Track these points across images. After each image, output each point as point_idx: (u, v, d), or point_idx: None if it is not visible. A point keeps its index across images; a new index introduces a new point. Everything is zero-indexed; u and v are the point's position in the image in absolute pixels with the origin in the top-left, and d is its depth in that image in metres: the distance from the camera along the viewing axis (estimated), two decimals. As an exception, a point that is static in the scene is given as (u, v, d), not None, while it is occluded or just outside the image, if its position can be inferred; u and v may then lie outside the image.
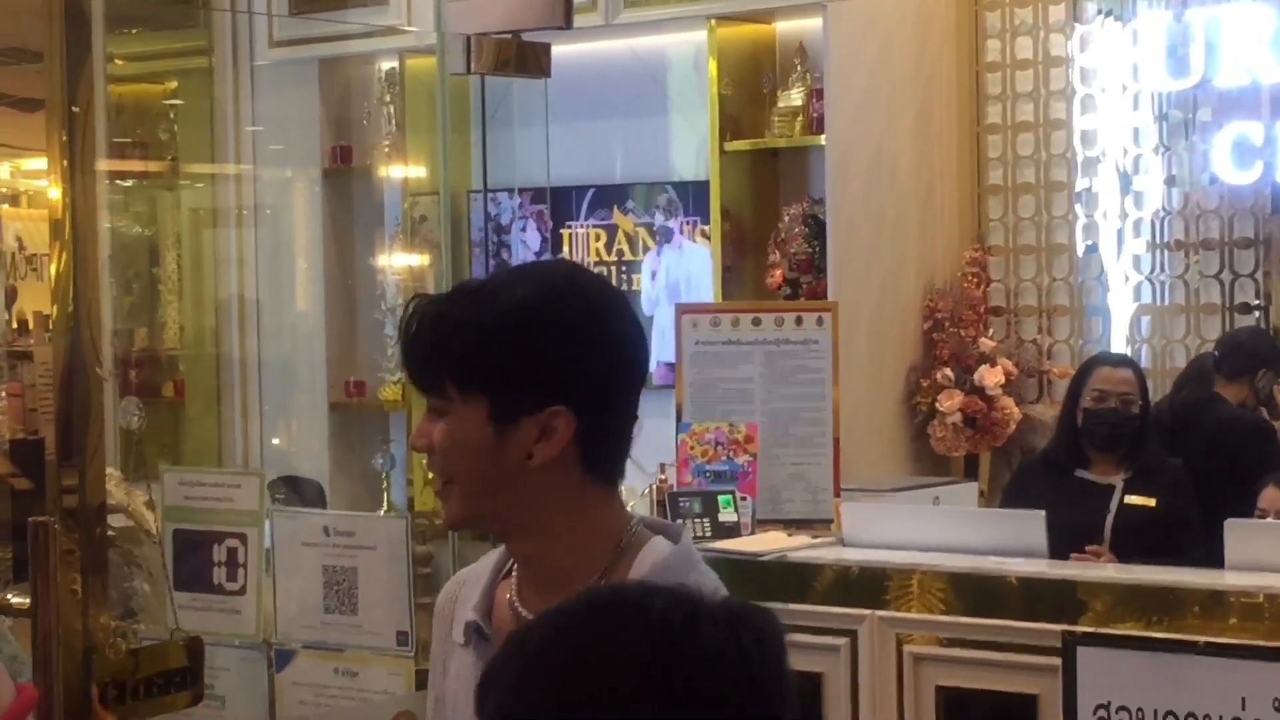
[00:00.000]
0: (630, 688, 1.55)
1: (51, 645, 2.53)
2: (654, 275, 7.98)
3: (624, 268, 8.06)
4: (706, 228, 7.74)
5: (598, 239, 8.12)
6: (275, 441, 8.38)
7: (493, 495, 2.30)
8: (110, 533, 2.95)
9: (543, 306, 2.29)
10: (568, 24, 4.55)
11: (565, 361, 2.29)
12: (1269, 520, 5.57)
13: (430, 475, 2.38)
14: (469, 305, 2.29)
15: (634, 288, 8.05)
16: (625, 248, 8.06)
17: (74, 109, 2.91)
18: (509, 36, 4.38)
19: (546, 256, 8.20)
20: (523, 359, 2.27)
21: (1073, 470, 5.96)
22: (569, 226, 8.19)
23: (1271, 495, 5.72)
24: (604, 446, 2.33)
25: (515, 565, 2.41)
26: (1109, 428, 5.91)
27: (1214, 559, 5.15)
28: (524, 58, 4.41)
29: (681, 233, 7.89)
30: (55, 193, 2.93)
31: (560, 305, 2.31)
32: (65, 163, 2.91)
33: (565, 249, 8.18)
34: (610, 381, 2.33)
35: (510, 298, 2.29)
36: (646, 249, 8.01)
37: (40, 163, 2.96)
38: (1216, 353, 6.78)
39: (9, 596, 2.68)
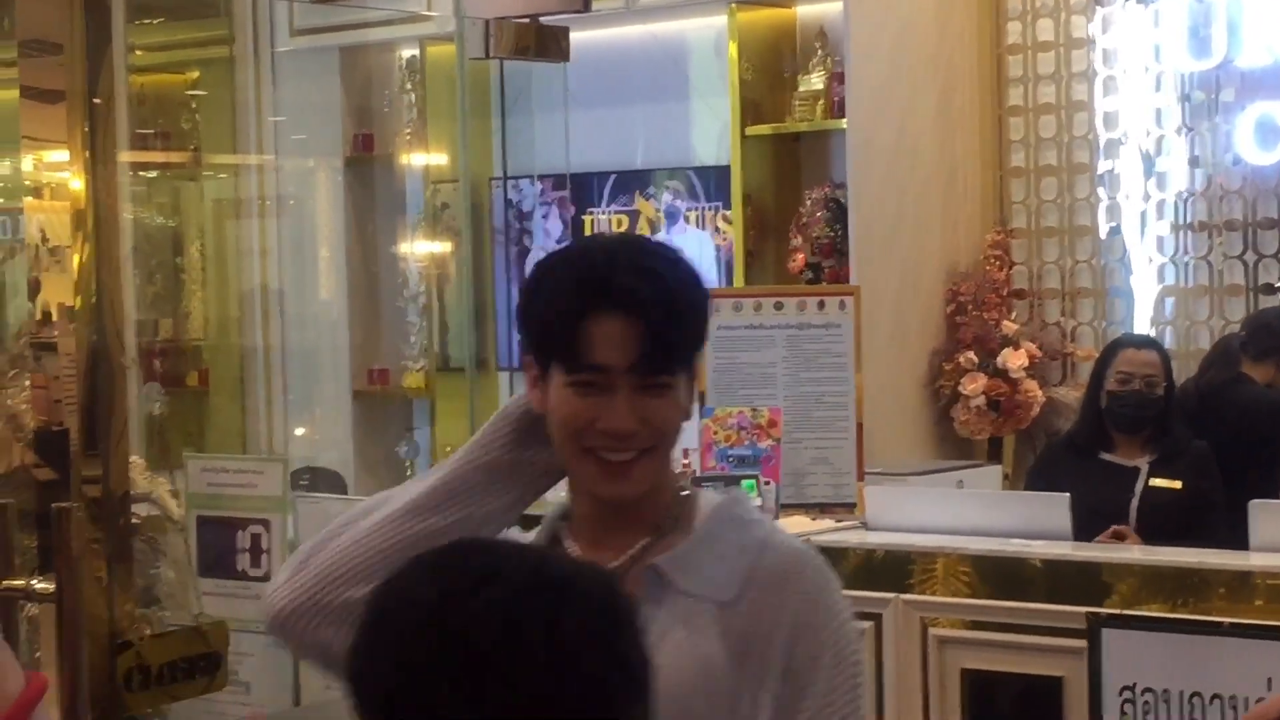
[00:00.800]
0: (411, 639, 1.58)
1: (76, 632, 2.54)
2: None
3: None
4: (728, 212, 7.74)
5: (620, 225, 8.12)
6: (299, 431, 8.40)
7: (669, 456, 2.42)
8: (135, 521, 2.97)
9: (700, 276, 2.43)
10: (586, 7, 4.56)
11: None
12: None
13: (598, 450, 2.36)
14: (686, 279, 2.37)
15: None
16: (647, 233, 8.06)
17: (95, 100, 2.91)
18: (527, 21, 4.38)
19: (567, 243, 8.20)
20: (705, 323, 2.40)
21: (1097, 453, 5.95)
22: (591, 213, 8.20)
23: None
24: None
25: (569, 525, 2.46)
26: (1133, 409, 5.90)
27: (1239, 540, 5.14)
28: (543, 42, 4.41)
29: (686, 220, 7.89)
30: (77, 184, 2.94)
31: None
32: (87, 154, 2.92)
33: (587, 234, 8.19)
34: None
35: (688, 271, 2.40)
36: (667, 234, 8.02)
37: (63, 155, 2.96)
38: (1242, 334, 6.76)
39: (34, 583, 2.69)
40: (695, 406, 2.49)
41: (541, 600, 1.59)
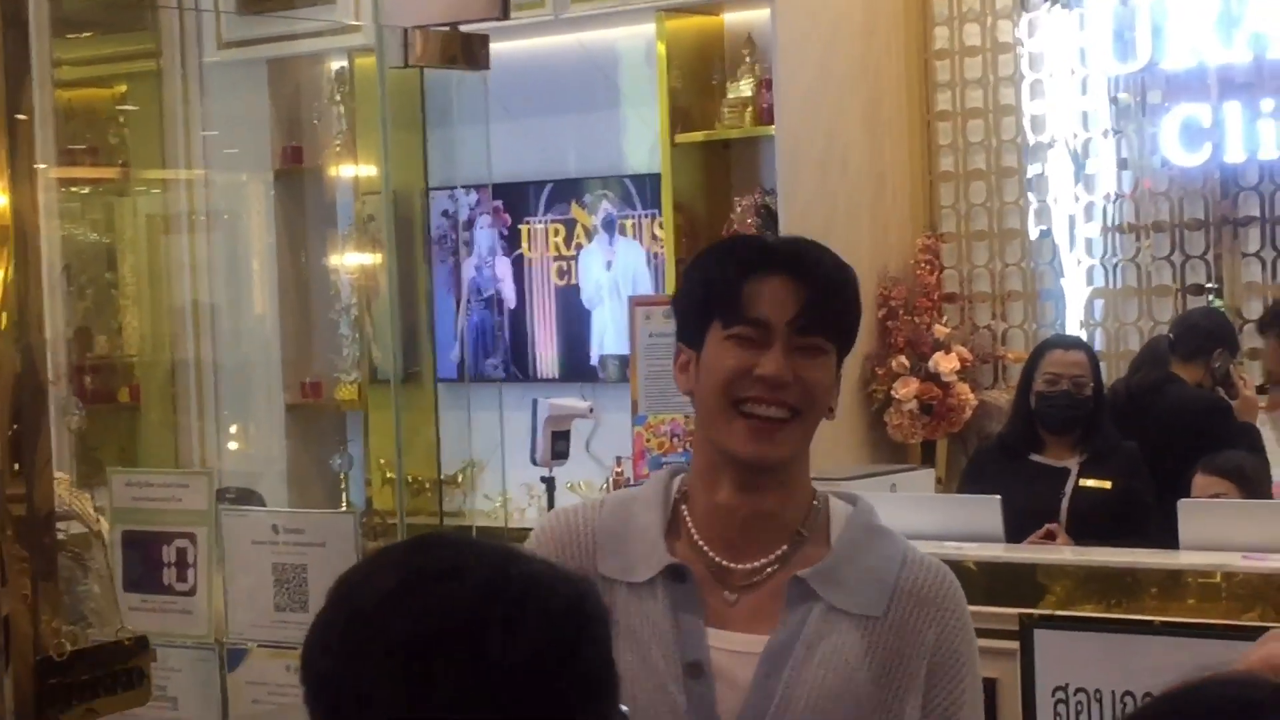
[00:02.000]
0: (358, 617, 1.56)
1: (-3, 651, 2.53)
2: (609, 265, 7.98)
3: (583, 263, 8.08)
4: (662, 219, 7.74)
5: (556, 234, 8.12)
6: (232, 445, 8.37)
7: (810, 437, 2.48)
8: (61, 537, 2.95)
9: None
10: (505, 14, 4.56)
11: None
12: (1222, 499, 5.59)
13: (749, 402, 2.43)
14: (840, 262, 2.50)
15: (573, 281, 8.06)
16: (584, 241, 8.07)
17: (17, 116, 2.89)
18: (447, 29, 4.38)
19: (500, 253, 8.20)
20: (857, 317, 2.54)
21: (1028, 454, 5.98)
22: (528, 222, 8.20)
23: (1201, 482, 5.73)
24: None
25: (690, 514, 2.50)
26: (1061, 410, 5.93)
27: (1170, 539, 5.18)
28: (463, 50, 4.41)
29: (622, 231, 7.90)
30: (-1, 201, 2.92)
31: None
32: (8, 170, 2.90)
33: (524, 244, 8.18)
34: None
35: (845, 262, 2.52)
36: (605, 243, 8.02)
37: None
38: (1171, 335, 6.80)
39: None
40: (836, 408, 2.53)
41: (504, 599, 1.55)
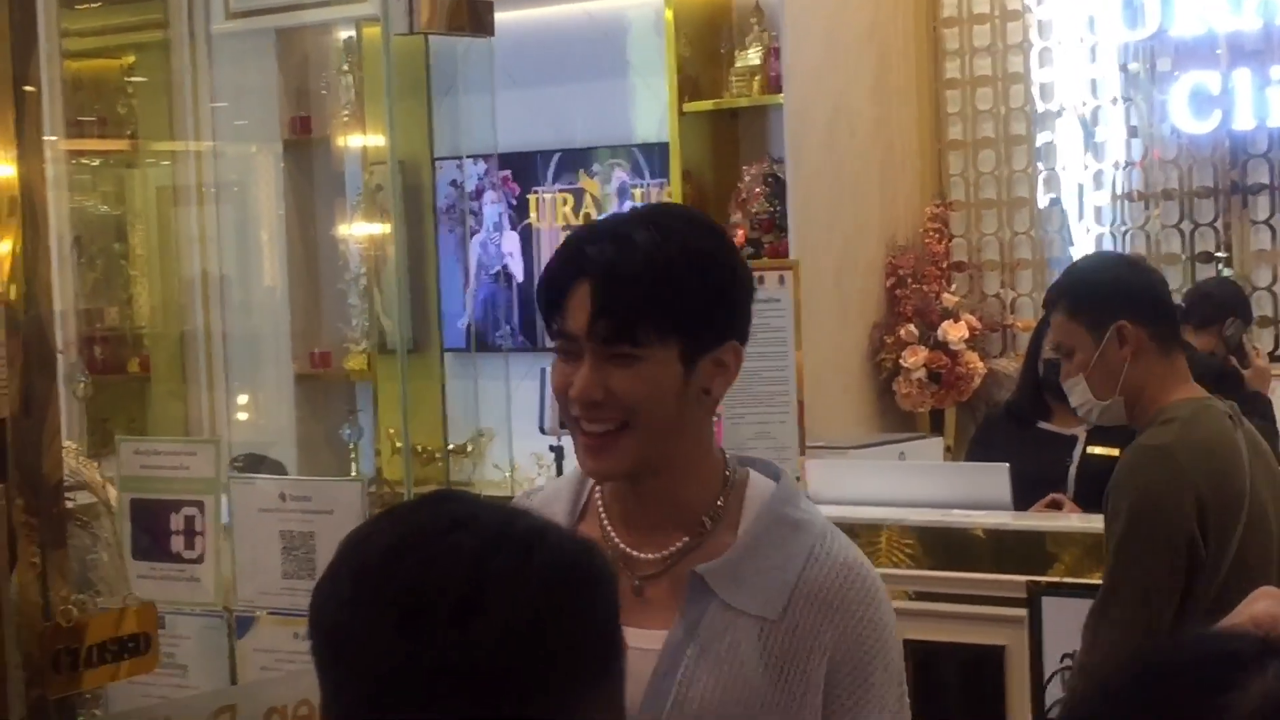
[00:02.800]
0: (365, 567, 1.57)
1: (5, 616, 2.55)
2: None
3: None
4: (670, 189, 7.74)
5: (565, 203, 8.13)
6: (242, 416, 8.39)
7: (666, 437, 2.33)
8: (70, 505, 2.97)
9: (718, 247, 2.38)
10: (510, -20, 4.56)
11: (743, 297, 2.38)
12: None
13: (579, 420, 2.33)
14: (667, 247, 2.31)
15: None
16: (592, 211, 8.07)
17: (25, 88, 2.90)
18: (453, -5, 4.39)
19: (509, 222, 8.20)
20: (714, 295, 2.34)
21: (1035, 422, 5.97)
22: (535, 191, 8.20)
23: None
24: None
25: (602, 497, 2.44)
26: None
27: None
28: (468, 16, 4.40)
29: (633, 199, 7.89)
30: (6, 172, 2.93)
31: (726, 245, 2.43)
32: (16, 141, 2.90)
33: (532, 214, 8.18)
34: (750, 315, 2.42)
35: (687, 240, 2.34)
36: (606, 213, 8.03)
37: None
38: (1183, 304, 6.79)
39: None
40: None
41: (510, 553, 1.54)
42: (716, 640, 2.33)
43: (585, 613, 1.58)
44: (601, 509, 2.44)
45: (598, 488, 2.46)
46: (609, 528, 2.42)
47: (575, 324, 2.29)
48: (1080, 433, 5.89)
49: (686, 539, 2.38)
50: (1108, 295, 3.94)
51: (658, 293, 2.28)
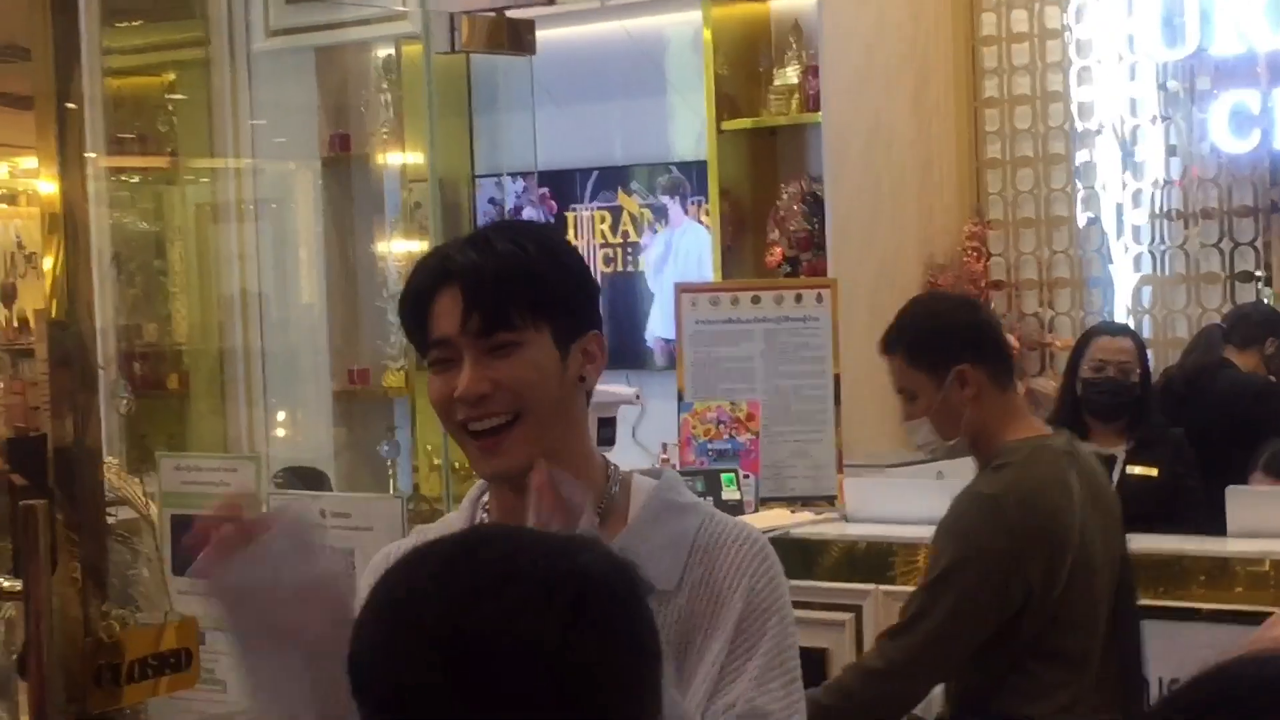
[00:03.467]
0: (426, 638, 1.57)
1: (40, 628, 2.55)
2: (668, 250, 7.97)
3: (629, 249, 8.07)
4: (707, 206, 7.75)
5: (602, 220, 8.13)
6: (280, 432, 8.40)
7: (554, 426, 2.36)
8: (110, 521, 2.98)
9: (566, 245, 2.48)
10: (551, 0, 4.57)
11: (592, 288, 2.44)
12: (1270, 488, 5.56)
13: (467, 423, 2.35)
14: (522, 240, 2.37)
15: (638, 268, 8.06)
16: (630, 229, 8.07)
17: (67, 105, 2.91)
18: (493, 14, 4.40)
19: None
20: (573, 284, 2.40)
21: None
22: (574, 209, 8.20)
23: (1259, 479, 5.70)
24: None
25: (489, 515, 2.45)
26: (1108, 396, 5.90)
27: (1218, 526, 5.16)
28: (509, 35, 4.42)
29: (687, 212, 7.89)
30: (49, 189, 2.94)
31: (571, 245, 2.52)
32: (58, 158, 2.92)
33: (570, 232, 8.19)
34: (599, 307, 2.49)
35: (547, 232, 2.48)
36: (653, 230, 8.02)
37: (34, 160, 2.97)
38: (1225, 324, 6.79)
39: (2, 581, 2.71)
40: (587, 373, 2.43)
41: (560, 607, 1.57)
42: None
43: (636, 638, 1.62)
44: (490, 514, 2.46)
45: (485, 507, 2.47)
46: None
47: (448, 327, 2.33)
48: (1120, 452, 5.87)
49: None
50: (947, 340, 3.98)
51: (523, 281, 2.34)
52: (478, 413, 2.34)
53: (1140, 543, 5.16)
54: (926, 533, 5.28)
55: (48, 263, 2.91)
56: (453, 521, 2.51)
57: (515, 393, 2.33)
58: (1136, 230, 7.46)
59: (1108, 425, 5.94)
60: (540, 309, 2.34)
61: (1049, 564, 3.86)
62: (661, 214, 7.98)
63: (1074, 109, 7.57)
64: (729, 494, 5.65)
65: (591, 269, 2.52)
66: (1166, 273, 7.42)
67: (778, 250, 7.45)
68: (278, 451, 8.03)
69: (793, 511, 5.78)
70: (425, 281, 2.37)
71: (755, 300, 6.25)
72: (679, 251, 7.95)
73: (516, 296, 2.33)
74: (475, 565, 1.60)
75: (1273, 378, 6.58)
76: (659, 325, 7.92)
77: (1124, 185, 7.46)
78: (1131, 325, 7.37)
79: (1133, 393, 5.92)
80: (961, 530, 3.91)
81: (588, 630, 1.57)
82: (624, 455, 7.35)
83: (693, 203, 7.89)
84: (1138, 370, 5.95)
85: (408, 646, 1.57)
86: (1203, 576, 4.89)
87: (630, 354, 7.99)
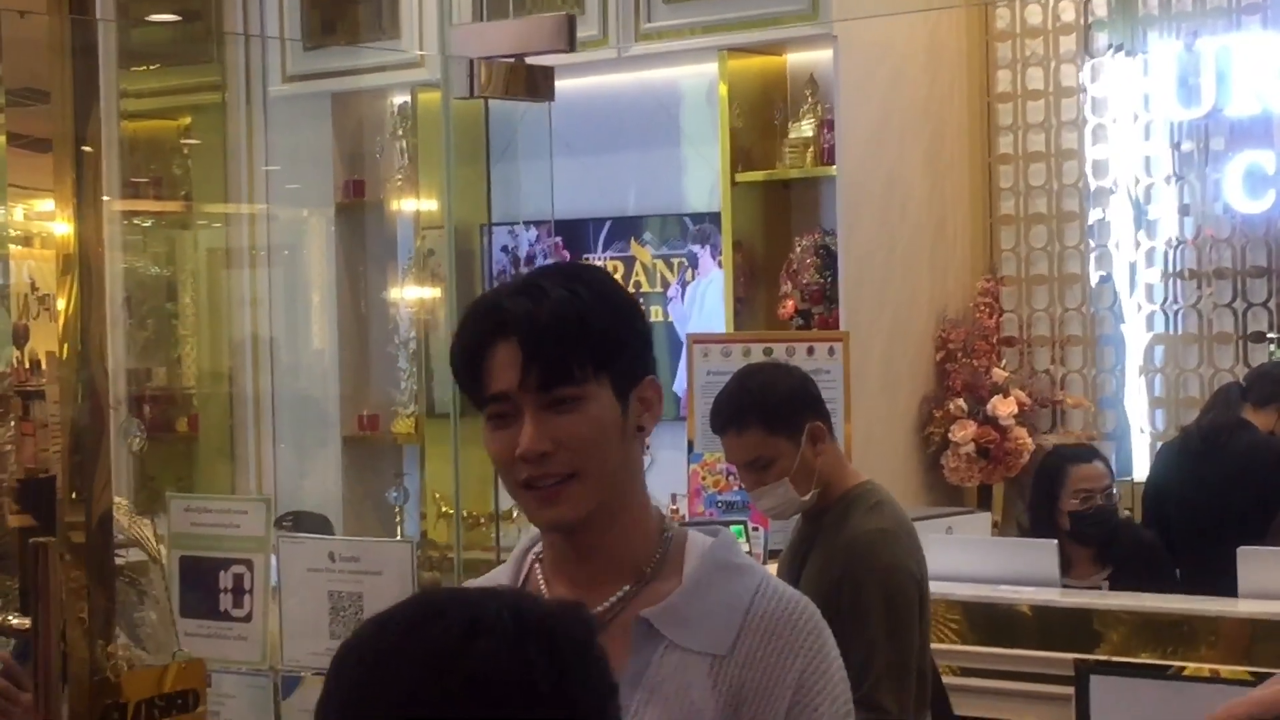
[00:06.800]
0: (407, 696, 1.55)
1: (49, 668, 2.55)
2: (700, 299, 7.94)
3: (641, 299, 8.07)
4: (721, 258, 7.75)
5: (615, 271, 8.13)
6: (289, 478, 8.40)
7: (614, 479, 2.32)
8: (119, 562, 2.98)
9: (618, 287, 2.41)
10: (571, 46, 4.59)
11: (647, 331, 2.39)
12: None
13: (529, 480, 2.30)
14: (575, 287, 2.30)
15: (652, 318, 8.05)
16: (643, 279, 8.07)
17: (84, 148, 2.92)
18: (513, 61, 4.41)
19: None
20: (630, 330, 2.34)
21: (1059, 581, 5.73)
22: (587, 259, 8.21)
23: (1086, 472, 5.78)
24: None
25: (542, 566, 2.42)
26: (1099, 528, 5.83)
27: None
28: (528, 82, 4.43)
29: (715, 260, 7.86)
30: (64, 231, 2.94)
31: (622, 286, 2.44)
32: (74, 202, 2.92)
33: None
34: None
35: (599, 275, 2.38)
36: (665, 281, 8.02)
37: (51, 203, 2.97)
38: (1243, 382, 6.77)
39: (10, 619, 2.71)
40: (649, 427, 2.39)
41: (537, 641, 1.57)
42: (666, 683, 2.30)
43: (606, 676, 1.62)
44: (540, 576, 2.42)
45: (537, 559, 2.44)
46: (546, 589, 2.39)
47: (506, 382, 2.27)
48: (1101, 583, 5.77)
49: (628, 587, 2.35)
50: (798, 403, 4.16)
51: (582, 331, 2.28)
52: (540, 471, 2.29)
53: (1149, 602, 5.16)
54: (935, 588, 5.27)
55: (61, 304, 2.91)
56: (499, 575, 2.48)
57: (575, 449, 2.28)
58: (1149, 289, 7.45)
59: (1088, 549, 5.87)
60: (600, 360, 2.29)
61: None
62: (693, 261, 7.94)
63: (1088, 167, 7.58)
64: (738, 546, 5.63)
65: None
66: (1179, 332, 7.42)
67: (790, 303, 7.45)
68: (286, 496, 8.03)
69: (802, 565, 5.76)
70: (479, 332, 2.31)
71: (767, 352, 6.25)
72: (708, 301, 7.89)
73: (576, 348, 2.28)
74: (443, 625, 1.58)
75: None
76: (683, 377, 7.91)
77: (1137, 244, 7.46)
78: (1143, 384, 7.37)
79: (1116, 513, 5.89)
80: (880, 565, 4.07)
81: (567, 662, 1.57)
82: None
83: (709, 249, 7.88)
84: (1113, 487, 5.92)
85: (384, 707, 1.56)
86: (1212, 637, 4.88)
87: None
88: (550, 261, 8.14)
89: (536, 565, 2.44)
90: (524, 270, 8.24)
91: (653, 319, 7.97)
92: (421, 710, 1.54)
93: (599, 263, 8.14)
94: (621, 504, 2.35)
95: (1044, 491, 6.03)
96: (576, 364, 2.28)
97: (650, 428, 2.36)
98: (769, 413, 4.13)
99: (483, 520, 7.24)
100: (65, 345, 2.88)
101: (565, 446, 2.28)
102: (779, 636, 2.32)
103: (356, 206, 8.54)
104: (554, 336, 2.27)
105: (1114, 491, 5.91)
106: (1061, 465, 6.03)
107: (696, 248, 7.95)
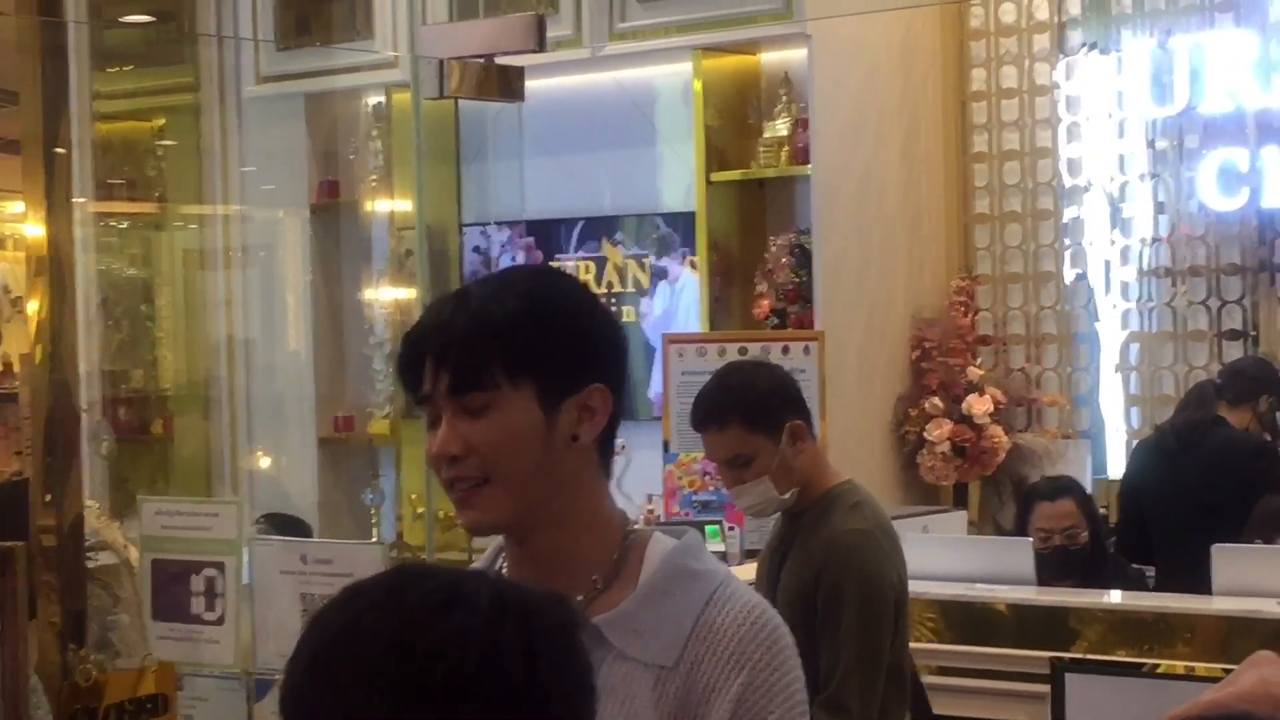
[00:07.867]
0: (375, 664, 1.54)
1: (19, 673, 2.54)
2: (671, 301, 7.92)
3: (613, 300, 8.05)
4: (695, 258, 7.74)
5: (587, 271, 8.11)
6: (264, 480, 8.38)
7: (535, 486, 2.30)
8: (91, 566, 2.96)
9: (568, 292, 2.37)
10: (541, 46, 4.58)
11: (598, 339, 2.35)
12: (1256, 545, 5.55)
13: (451, 481, 2.31)
14: (503, 295, 2.30)
15: (625, 319, 8.03)
16: (615, 279, 8.06)
17: (56, 150, 2.91)
18: (483, 61, 4.40)
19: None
20: (566, 337, 2.31)
21: None
22: (558, 259, 8.19)
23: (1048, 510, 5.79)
24: (615, 429, 2.36)
25: (507, 572, 2.39)
26: (1059, 565, 5.80)
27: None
28: (499, 82, 4.43)
29: (683, 264, 7.85)
30: (35, 232, 2.93)
31: (581, 291, 2.41)
32: (45, 202, 2.91)
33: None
34: (624, 360, 2.40)
35: (539, 282, 2.36)
36: (637, 282, 8.00)
37: (21, 205, 2.96)
38: (1219, 380, 6.78)
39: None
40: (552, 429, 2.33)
41: (514, 624, 1.56)
42: (613, 693, 2.27)
43: (583, 666, 1.62)
44: (506, 572, 2.41)
45: (504, 558, 2.43)
46: None
47: (427, 385, 2.30)
48: None
49: (581, 596, 2.32)
50: (778, 401, 4.17)
51: (493, 339, 2.27)
52: (454, 474, 2.30)
53: (1125, 600, 5.16)
54: (912, 586, 5.27)
55: (33, 307, 2.90)
56: (482, 560, 2.49)
57: (486, 457, 2.28)
58: (1124, 287, 7.46)
59: (1063, 583, 5.86)
60: (520, 366, 2.28)
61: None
62: (661, 273, 7.93)
63: (1063, 165, 7.58)
64: (713, 546, 5.64)
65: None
66: (1154, 329, 7.43)
67: (765, 302, 7.45)
68: (261, 498, 8.01)
69: (778, 564, 5.76)
70: (408, 339, 2.35)
71: (742, 351, 6.25)
72: (683, 305, 7.87)
73: (486, 355, 2.27)
74: (420, 594, 1.58)
75: (1267, 435, 6.58)
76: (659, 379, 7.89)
77: (1112, 242, 7.47)
78: (1118, 381, 7.38)
79: (1082, 554, 5.86)
80: (856, 566, 4.08)
81: (541, 649, 1.57)
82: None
83: (678, 254, 7.87)
84: (1085, 530, 5.89)
85: (354, 674, 1.55)
86: (1188, 634, 4.88)
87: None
88: (519, 262, 8.12)
89: (503, 565, 2.43)
90: (494, 269, 8.22)
91: (625, 320, 7.96)
92: (383, 679, 1.53)
93: (571, 263, 8.13)
94: (562, 514, 2.33)
95: (1021, 521, 6.10)
96: (485, 372, 2.27)
97: (587, 437, 2.32)
98: (750, 410, 4.13)
99: (457, 521, 7.27)
100: (38, 348, 2.87)
101: (476, 451, 2.28)
102: (724, 648, 2.28)
103: (331, 207, 8.51)
104: (460, 345, 2.27)
105: (1083, 532, 5.87)
106: (1031, 501, 6.08)
107: (666, 260, 7.92)
